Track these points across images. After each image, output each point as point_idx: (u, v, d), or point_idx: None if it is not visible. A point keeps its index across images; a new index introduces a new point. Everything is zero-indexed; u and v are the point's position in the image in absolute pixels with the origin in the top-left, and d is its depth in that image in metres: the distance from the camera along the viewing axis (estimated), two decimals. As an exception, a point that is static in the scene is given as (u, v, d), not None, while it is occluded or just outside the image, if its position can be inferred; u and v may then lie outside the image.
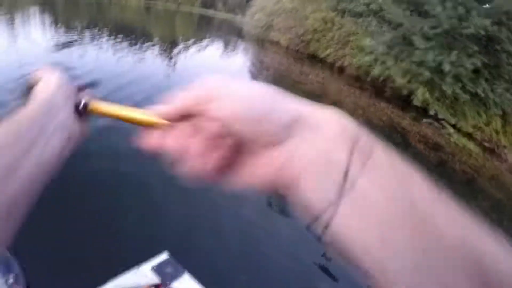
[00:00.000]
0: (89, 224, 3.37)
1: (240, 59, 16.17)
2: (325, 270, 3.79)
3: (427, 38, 15.96)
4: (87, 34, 14.03)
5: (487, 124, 16.04)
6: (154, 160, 0.57)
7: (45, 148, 0.50)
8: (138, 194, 4.17)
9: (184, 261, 2.22)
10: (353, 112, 11.22)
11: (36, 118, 0.52)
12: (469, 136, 15.36)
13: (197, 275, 2.03)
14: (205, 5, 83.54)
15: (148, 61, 11.22)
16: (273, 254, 3.84)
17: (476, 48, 14.48)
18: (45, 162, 0.50)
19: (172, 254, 2.22)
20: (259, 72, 13.56)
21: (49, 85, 0.58)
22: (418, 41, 15.69)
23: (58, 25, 15.63)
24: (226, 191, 0.39)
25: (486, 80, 15.07)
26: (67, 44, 11.44)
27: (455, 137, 13.51)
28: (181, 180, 0.38)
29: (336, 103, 11.73)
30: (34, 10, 19.00)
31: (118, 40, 13.75)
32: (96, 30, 16.00)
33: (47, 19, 18.42)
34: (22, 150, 0.47)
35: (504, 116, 15.93)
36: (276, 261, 3.75)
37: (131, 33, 17.60)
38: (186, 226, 3.81)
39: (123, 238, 3.35)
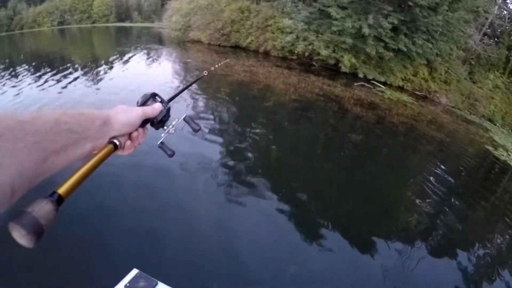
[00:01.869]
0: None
1: (163, 65, 15.71)
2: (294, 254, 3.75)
3: (342, 8, 16.21)
4: (4, 70, 13.11)
5: (415, 74, 16.62)
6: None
7: (82, 148, 0.62)
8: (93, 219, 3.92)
9: (155, 272, 2.07)
10: (285, 92, 11.14)
11: (101, 124, 0.67)
12: (400, 89, 15.84)
13: (171, 283, 1.90)
14: (120, 18, 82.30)
15: (73, 85, 10.58)
16: (239, 243, 3.75)
17: (390, 8, 14.84)
18: (72, 159, 0.60)
19: (141, 269, 2.10)
20: (186, 74, 13.22)
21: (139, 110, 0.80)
22: (334, 12, 15.89)
23: None
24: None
25: (406, 35, 15.52)
26: None
27: (388, 93, 13.80)
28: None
29: (267, 87, 11.63)
30: None
31: (38, 70, 12.95)
32: (13, 64, 15.06)
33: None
34: (75, 140, 0.60)
35: (428, 64, 16.59)
36: (244, 246, 3.72)
37: (50, 60, 16.74)
38: (149, 238, 3.63)
39: (88, 264, 3.23)
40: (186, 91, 8.44)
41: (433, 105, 14.43)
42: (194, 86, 10.74)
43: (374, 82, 15.37)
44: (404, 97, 13.72)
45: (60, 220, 0.52)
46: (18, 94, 9.37)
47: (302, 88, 11.94)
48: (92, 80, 11.45)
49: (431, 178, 6.47)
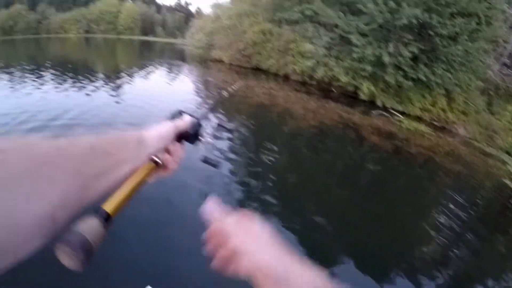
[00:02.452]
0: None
1: (185, 82, 16.06)
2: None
3: (363, 35, 16.40)
4: (29, 73, 13.58)
5: (433, 104, 16.60)
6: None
7: (122, 170, 0.62)
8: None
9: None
10: (303, 117, 11.32)
11: (135, 143, 0.68)
12: (418, 119, 15.82)
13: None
14: (144, 31, 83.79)
15: (97, 93, 10.96)
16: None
17: (411, 37, 15.01)
18: (112, 183, 0.60)
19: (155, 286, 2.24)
20: (205, 92, 13.51)
21: (170, 127, 0.81)
22: (355, 39, 16.10)
23: (1, 68, 15.04)
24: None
25: (425, 64, 15.60)
26: (12, 85, 11.10)
27: (406, 122, 13.85)
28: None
29: (286, 111, 11.83)
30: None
31: (63, 75, 13.40)
32: (39, 67, 15.55)
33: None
34: (113, 163, 0.60)
35: (447, 94, 16.56)
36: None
37: (75, 66, 17.23)
38: (164, 254, 3.71)
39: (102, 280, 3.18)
40: (204, 110, 8.76)
41: (450, 136, 14.40)
42: (210, 104, 11.00)
43: (392, 111, 15.43)
44: (422, 127, 13.74)
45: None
46: (43, 97, 9.77)
47: (321, 114, 12.10)
48: (115, 90, 11.89)
49: (447, 211, 6.51)
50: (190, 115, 0.93)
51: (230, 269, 0.69)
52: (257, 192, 5.60)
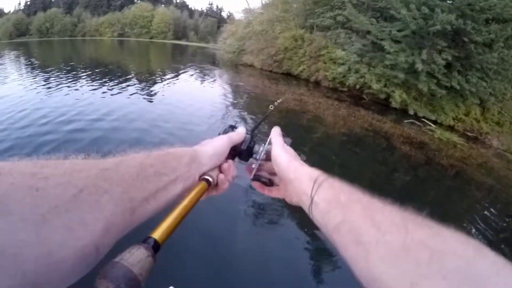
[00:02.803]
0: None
1: (216, 86, 16.27)
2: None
3: (396, 41, 16.26)
4: (66, 74, 14.07)
5: (467, 114, 16.29)
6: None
7: (172, 190, 0.60)
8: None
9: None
10: (334, 124, 11.34)
11: (188, 161, 0.66)
12: (451, 129, 15.54)
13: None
14: (177, 36, 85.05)
15: (133, 96, 11.28)
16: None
17: (444, 43, 14.78)
18: (162, 205, 0.58)
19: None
20: (236, 97, 13.67)
21: (226, 140, 0.82)
22: (388, 46, 15.97)
23: (39, 68, 15.66)
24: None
25: (459, 72, 15.33)
26: (50, 86, 11.55)
27: (438, 132, 13.65)
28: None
29: (316, 117, 11.86)
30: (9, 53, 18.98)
31: (99, 77, 13.83)
32: (75, 69, 16.10)
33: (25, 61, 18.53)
34: (163, 184, 0.58)
35: (481, 103, 16.21)
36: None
37: (110, 68, 17.70)
38: (186, 255, 3.81)
39: None
40: (235, 115, 8.74)
41: (484, 148, 14.08)
42: (242, 110, 11.15)
43: (424, 120, 15.22)
44: (455, 138, 13.50)
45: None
46: (79, 99, 10.15)
47: (351, 122, 12.08)
48: (151, 93, 12.12)
49: (477, 225, 6.43)
50: (244, 130, 0.91)
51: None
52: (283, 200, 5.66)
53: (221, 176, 0.77)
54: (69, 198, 0.41)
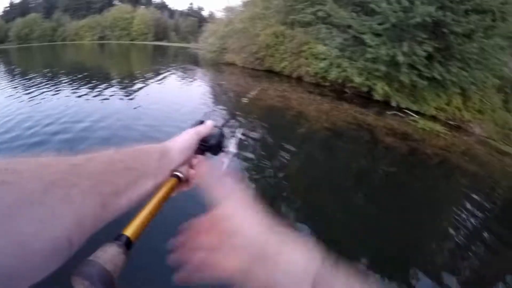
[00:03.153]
0: None
1: (199, 86, 16.15)
2: None
3: (377, 35, 16.30)
4: (48, 80, 13.82)
5: (448, 103, 16.44)
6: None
7: (144, 185, 0.60)
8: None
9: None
10: (317, 119, 11.32)
11: (158, 156, 0.66)
12: (433, 118, 15.67)
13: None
14: (158, 37, 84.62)
15: (113, 97, 11.12)
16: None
17: (425, 35, 14.86)
18: (133, 200, 0.58)
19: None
20: (220, 97, 13.59)
21: (193, 135, 0.80)
22: (369, 39, 16.01)
23: (20, 75, 15.39)
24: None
25: (440, 63, 15.44)
26: (28, 92, 11.32)
27: (421, 122, 13.74)
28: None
29: (300, 113, 11.84)
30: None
31: (79, 82, 13.61)
32: (54, 74, 15.85)
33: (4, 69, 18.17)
34: (134, 179, 0.58)
35: (463, 92, 16.39)
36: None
37: (91, 72, 17.48)
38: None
39: None
40: (218, 114, 8.64)
41: (466, 135, 14.24)
42: (224, 108, 11.09)
43: (407, 111, 15.32)
44: (437, 127, 13.61)
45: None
46: (62, 104, 10.02)
47: (335, 116, 12.09)
48: (131, 95, 11.99)
49: (464, 211, 6.46)
50: (212, 123, 0.90)
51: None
52: (269, 196, 5.62)
53: (192, 171, 0.77)
54: (40, 191, 0.41)
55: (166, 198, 0.63)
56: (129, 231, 0.51)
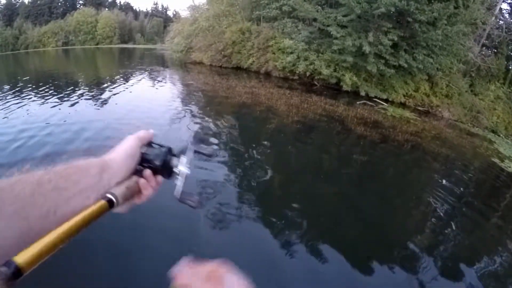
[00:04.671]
0: None
1: (166, 87, 15.79)
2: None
3: (342, 26, 16.40)
4: (12, 91, 13.20)
5: (416, 90, 16.73)
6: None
7: (78, 203, 0.56)
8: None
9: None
10: (287, 113, 11.21)
11: (97, 172, 0.61)
12: (403, 105, 15.93)
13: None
14: (123, 39, 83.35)
15: (79, 106, 10.65)
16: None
17: (390, 25, 15.02)
18: (67, 218, 0.53)
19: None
20: (187, 97, 13.30)
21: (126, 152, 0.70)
22: (334, 31, 16.08)
23: None
24: None
25: (406, 51, 15.67)
26: None
27: (390, 110, 13.87)
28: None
29: (269, 108, 11.71)
30: None
31: (44, 90, 13.06)
32: (19, 84, 15.25)
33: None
34: (64, 199, 0.54)
35: (429, 79, 16.71)
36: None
37: (55, 80, 16.91)
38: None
39: None
40: (187, 116, 8.36)
41: (436, 120, 14.46)
42: (194, 109, 10.86)
43: (376, 100, 15.46)
44: (407, 114, 13.78)
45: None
46: (28, 115, 9.36)
47: (305, 109, 12.01)
48: (97, 101, 11.53)
49: (438, 194, 6.47)
50: (157, 144, 0.80)
51: None
52: (242, 192, 5.45)
53: (142, 181, 0.72)
54: None
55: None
56: (22, 258, 0.43)
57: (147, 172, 0.73)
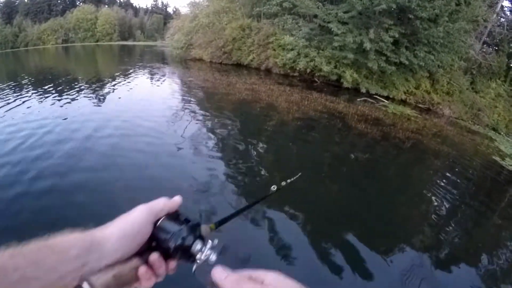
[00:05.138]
0: None
1: (166, 84, 15.70)
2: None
3: (343, 23, 16.31)
4: (13, 90, 13.09)
5: (417, 87, 16.66)
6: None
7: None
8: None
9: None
10: (288, 110, 11.15)
11: (73, 254, 0.48)
12: (403, 102, 15.86)
13: None
14: (123, 36, 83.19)
15: (79, 104, 10.56)
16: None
17: (391, 21, 14.94)
18: None
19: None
20: (187, 95, 13.22)
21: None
22: (335, 28, 16.00)
23: None
24: None
25: (407, 48, 15.59)
26: None
27: (391, 107, 13.81)
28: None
29: (270, 105, 11.66)
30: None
31: (44, 88, 12.98)
32: (19, 81, 15.17)
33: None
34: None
35: (430, 76, 16.64)
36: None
37: (55, 78, 16.83)
38: None
39: None
40: (187, 113, 8.27)
41: (436, 117, 14.41)
42: (194, 106, 10.80)
43: (377, 97, 15.41)
44: (408, 111, 13.72)
45: None
46: (29, 113, 9.25)
47: (305, 106, 11.96)
48: (97, 99, 11.45)
49: (439, 192, 6.43)
50: (179, 199, 0.67)
51: None
52: (243, 190, 5.41)
53: (143, 270, 0.56)
54: None
55: None
56: None
57: (154, 256, 0.59)
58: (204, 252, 0.61)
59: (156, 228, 0.61)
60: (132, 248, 0.56)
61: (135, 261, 0.57)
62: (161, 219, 0.62)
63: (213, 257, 0.60)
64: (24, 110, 9.50)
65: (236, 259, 0.61)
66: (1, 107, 9.89)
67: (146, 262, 0.58)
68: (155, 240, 0.60)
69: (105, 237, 0.53)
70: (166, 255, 0.60)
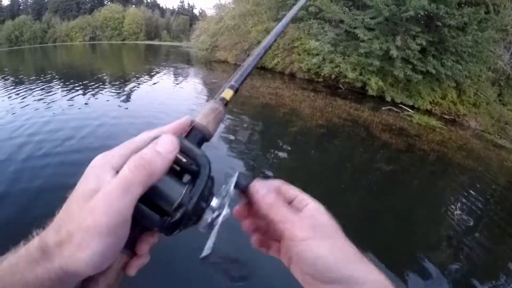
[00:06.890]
0: None
1: (191, 85, 15.84)
2: None
3: (369, 29, 16.16)
4: (38, 83, 13.40)
5: (443, 97, 16.34)
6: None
7: None
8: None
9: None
10: (311, 116, 11.09)
11: (34, 258, 0.36)
12: (429, 113, 15.57)
13: None
14: (149, 36, 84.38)
15: (105, 100, 10.74)
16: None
17: (418, 28, 14.74)
18: None
19: None
20: (211, 95, 13.28)
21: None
22: (361, 33, 15.87)
23: (11, 79, 14.96)
24: None
25: (434, 56, 15.34)
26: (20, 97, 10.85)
27: (416, 117, 13.60)
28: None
29: (293, 111, 11.62)
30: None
31: (71, 85, 13.20)
32: (47, 78, 15.47)
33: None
34: None
35: (457, 86, 16.29)
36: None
37: (82, 74, 17.17)
38: None
39: None
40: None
41: (462, 130, 14.12)
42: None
43: (402, 106, 15.18)
44: (433, 122, 13.48)
45: None
46: (57, 107, 9.40)
47: (329, 113, 11.87)
48: (123, 96, 11.62)
49: (461, 208, 6.31)
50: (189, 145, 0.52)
51: (272, 250, 0.59)
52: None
53: (132, 266, 0.46)
54: None
55: None
56: None
57: (145, 250, 0.47)
58: (217, 212, 0.49)
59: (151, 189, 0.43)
60: (115, 245, 0.40)
61: (118, 262, 0.44)
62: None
63: (225, 209, 0.50)
64: (52, 106, 9.70)
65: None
66: (31, 102, 10.11)
67: (132, 252, 0.46)
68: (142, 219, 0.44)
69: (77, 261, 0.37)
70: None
